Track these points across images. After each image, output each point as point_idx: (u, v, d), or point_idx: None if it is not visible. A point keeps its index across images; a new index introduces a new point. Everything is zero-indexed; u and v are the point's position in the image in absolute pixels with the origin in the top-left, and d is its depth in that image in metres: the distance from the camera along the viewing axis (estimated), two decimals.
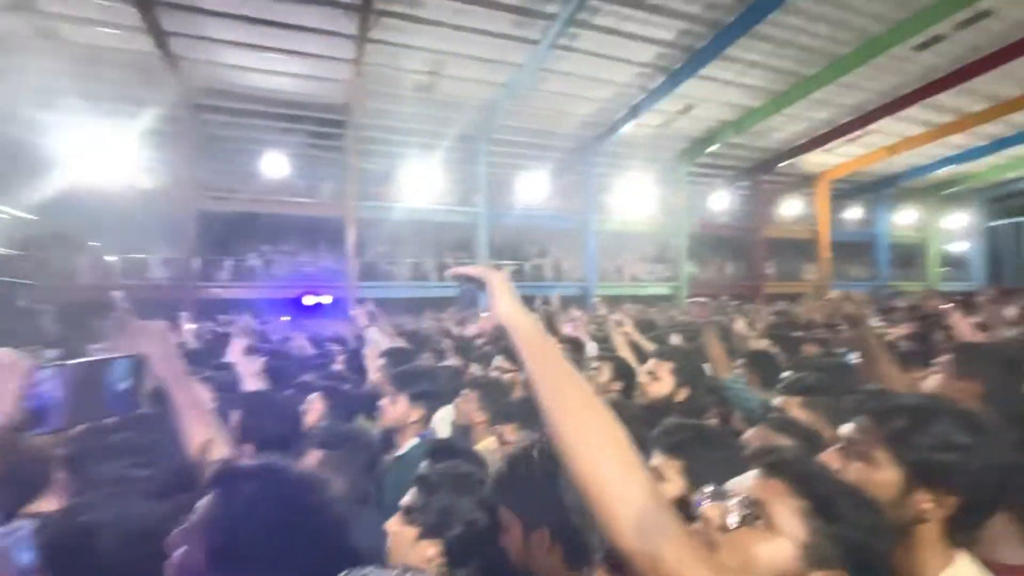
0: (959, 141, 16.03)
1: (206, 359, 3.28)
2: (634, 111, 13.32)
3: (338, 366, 3.54)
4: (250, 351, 2.60)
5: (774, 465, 0.69)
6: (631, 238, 18.31)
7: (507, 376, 2.64)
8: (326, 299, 14.32)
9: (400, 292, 15.54)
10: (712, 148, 15.66)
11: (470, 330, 4.89)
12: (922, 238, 21.76)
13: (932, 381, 1.83)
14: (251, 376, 2.24)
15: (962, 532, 0.88)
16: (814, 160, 17.60)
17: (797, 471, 0.68)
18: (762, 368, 2.56)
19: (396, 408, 1.98)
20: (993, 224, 22.60)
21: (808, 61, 11.48)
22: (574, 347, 3.65)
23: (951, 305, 3.94)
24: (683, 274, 17.77)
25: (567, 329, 4.23)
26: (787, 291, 18.98)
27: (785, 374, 2.19)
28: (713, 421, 2.14)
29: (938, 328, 4.22)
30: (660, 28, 10.24)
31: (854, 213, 20.85)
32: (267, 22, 9.44)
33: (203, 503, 0.78)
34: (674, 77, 11.68)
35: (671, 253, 18.30)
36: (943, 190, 20.89)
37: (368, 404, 2.40)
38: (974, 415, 0.91)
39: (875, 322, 4.45)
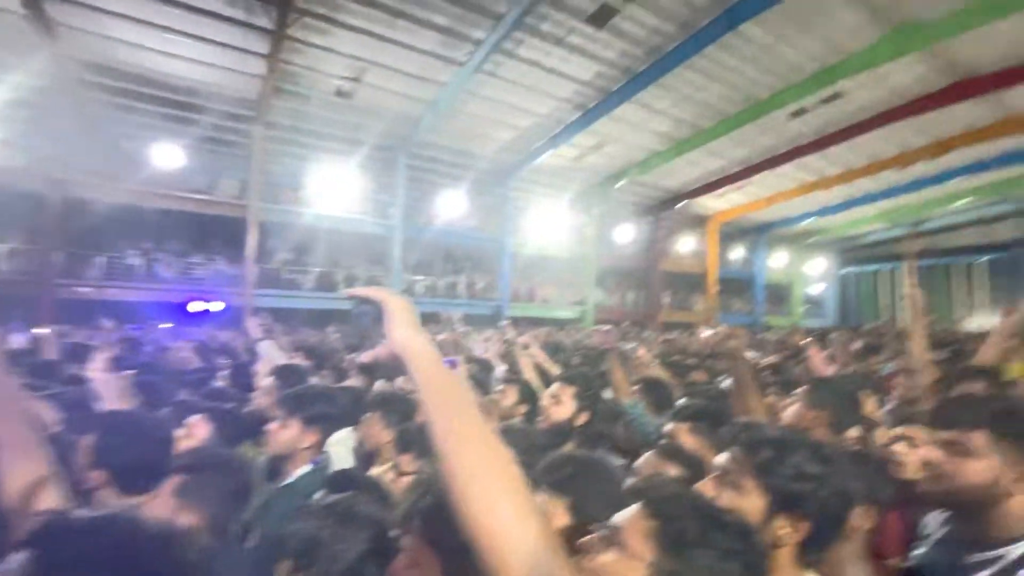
0: (820, 198, 18.70)
1: (60, 372, 2.86)
2: (552, 142, 13.94)
3: (220, 382, 3.23)
4: (116, 363, 2.23)
5: (636, 491, 0.74)
6: (543, 262, 18.95)
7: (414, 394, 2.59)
8: (216, 306, 13.09)
9: (305, 303, 14.66)
10: (620, 184, 16.77)
11: (364, 356, 4.72)
12: (789, 279, 24.86)
13: (790, 411, 2.10)
14: (114, 392, 1.88)
15: (812, 554, 0.96)
16: (706, 203, 19.53)
17: (653, 496, 0.71)
18: (655, 394, 2.71)
19: (286, 433, 1.81)
20: (843, 271, 26.53)
21: (704, 115, 12.81)
22: (483, 368, 3.66)
23: (809, 340, 4.55)
24: (590, 299, 18.67)
25: (479, 350, 4.24)
26: (680, 320, 20.66)
27: (680, 401, 2.39)
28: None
29: (798, 360, 4.84)
30: (578, 67, 10.90)
31: (737, 253, 23.31)
32: (169, 0, 8.66)
33: (10, 568, 0.61)
34: (589, 114, 12.44)
35: (580, 279, 19.17)
36: (807, 239, 24.14)
37: (257, 427, 2.16)
38: (825, 447, 1.00)
39: (750, 353, 4.99)
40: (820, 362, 3.87)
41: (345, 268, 15.85)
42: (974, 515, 1.15)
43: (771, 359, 5.26)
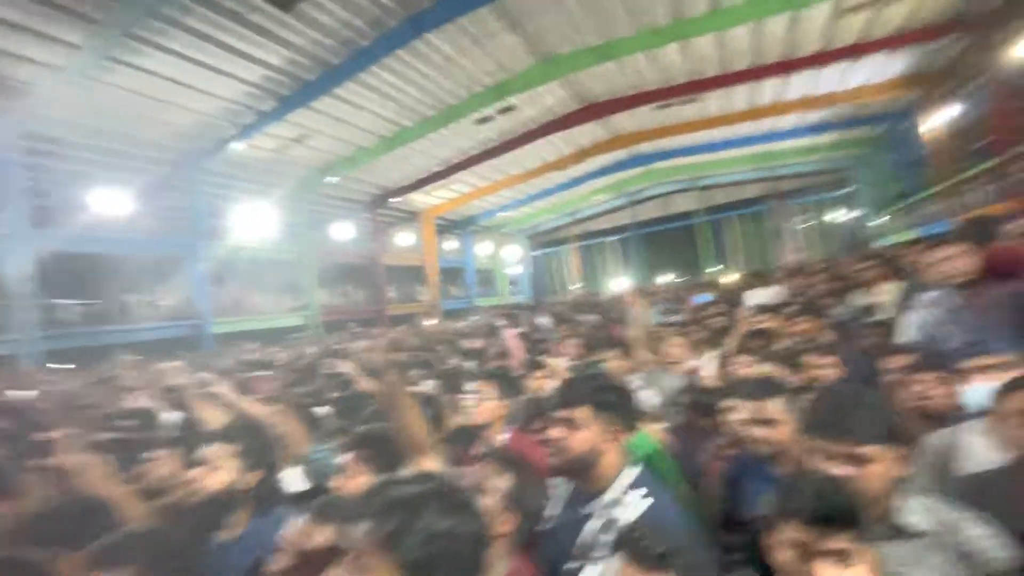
0: (508, 194, 22.21)
1: None
2: (245, 130, 12.42)
3: None
4: None
5: None
6: (254, 267, 16.84)
7: None
8: None
9: None
10: (331, 179, 16.23)
11: None
12: (494, 265, 28.80)
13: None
14: None
15: None
16: (419, 199, 20.75)
17: None
18: (350, 414, 2.50)
19: None
20: (533, 254, 32.27)
21: (405, 115, 13.53)
22: (142, 423, 2.86)
23: (503, 323, 5.42)
24: (314, 302, 17.58)
25: (136, 397, 3.33)
26: (408, 311, 21.53)
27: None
28: None
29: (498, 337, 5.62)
30: (267, 51, 9.98)
31: (451, 244, 25.63)
32: None
33: None
34: (286, 103, 11.58)
35: (300, 282, 17.82)
36: (504, 229, 28.36)
37: None
38: (457, 493, 0.92)
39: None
40: (513, 340, 4.65)
41: None
42: (583, 475, 1.36)
43: (476, 344, 5.89)
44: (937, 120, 13.45)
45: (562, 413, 1.39)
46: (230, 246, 15.06)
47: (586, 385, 1.45)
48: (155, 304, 14.51)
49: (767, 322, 3.33)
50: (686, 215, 27.02)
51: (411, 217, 22.33)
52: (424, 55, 11.01)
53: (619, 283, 25.65)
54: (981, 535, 1.09)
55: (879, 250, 6.00)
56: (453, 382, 2.61)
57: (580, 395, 1.40)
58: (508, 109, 14.16)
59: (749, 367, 2.50)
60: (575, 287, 29.74)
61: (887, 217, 19.78)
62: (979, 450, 1.36)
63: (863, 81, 14.21)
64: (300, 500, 1.71)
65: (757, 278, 6.12)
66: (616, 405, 1.43)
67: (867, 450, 1.16)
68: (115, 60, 9.23)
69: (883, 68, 13.57)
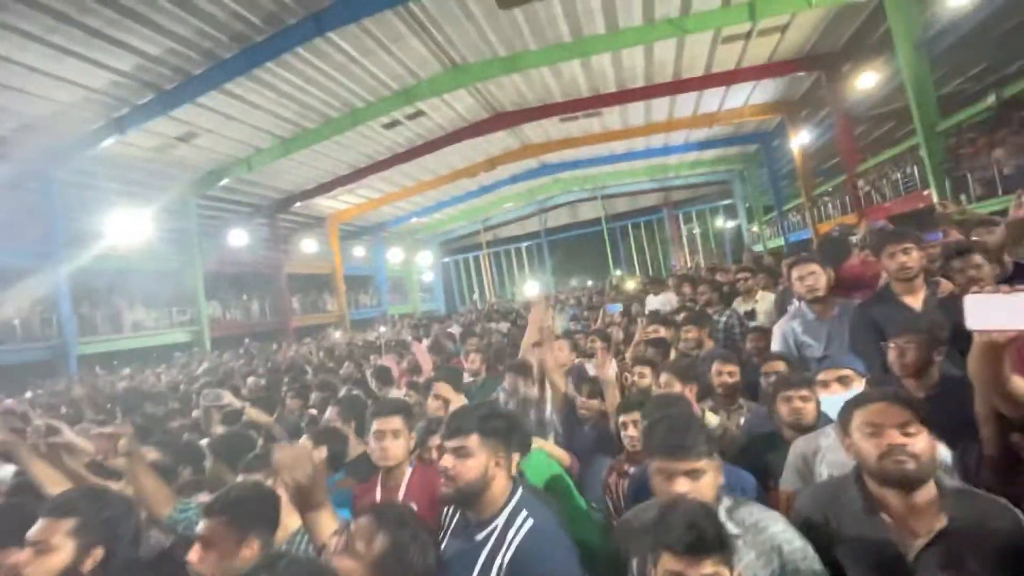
0: (419, 200, 21.88)
1: None
2: (116, 124, 11.02)
3: None
4: None
5: None
6: (132, 278, 14.96)
7: None
8: None
9: None
10: (224, 182, 14.93)
11: None
12: (406, 272, 28.18)
13: None
14: None
15: None
16: (324, 204, 19.74)
17: None
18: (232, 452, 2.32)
19: None
20: (445, 260, 32.03)
21: (307, 116, 12.82)
22: None
23: (412, 334, 5.32)
24: (202, 316, 15.99)
25: None
26: (313, 322, 20.36)
27: None
28: None
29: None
30: (141, 38, 8.94)
31: (360, 251, 24.68)
32: None
33: None
34: (166, 97, 10.47)
35: (186, 294, 16.14)
36: (415, 235, 27.86)
37: None
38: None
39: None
40: (423, 357, 4.56)
41: None
42: (473, 503, 1.38)
43: (386, 361, 5.65)
44: (799, 141, 15.45)
45: (451, 443, 1.41)
46: (101, 255, 13.22)
47: (473, 413, 1.48)
48: (4, 323, 12.32)
49: (662, 332, 3.62)
50: (592, 222, 28.41)
51: (317, 223, 21.17)
52: (327, 55, 10.51)
53: (531, 288, 26.26)
54: (782, 531, 1.26)
55: (757, 259, 6.75)
56: (357, 410, 2.49)
57: (468, 424, 1.42)
58: (417, 115, 13.97)
59: (645, 378, 2.69)
60: (488, 293, 29.97)
61: (760, 227, 22.36)
62: (835, 456, 1.57)
63: (739, 104, 15.96)
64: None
65: (654, 284, 6.62)
66: (504, 431, 1.47)
67: (700, 464, 1.30)
68: None
69: (755, 93, 15.34)
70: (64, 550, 1.39)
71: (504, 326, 8.72)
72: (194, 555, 1.35)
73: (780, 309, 3.40)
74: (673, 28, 10.66)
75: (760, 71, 13.38)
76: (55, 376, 11.68)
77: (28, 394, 7.64)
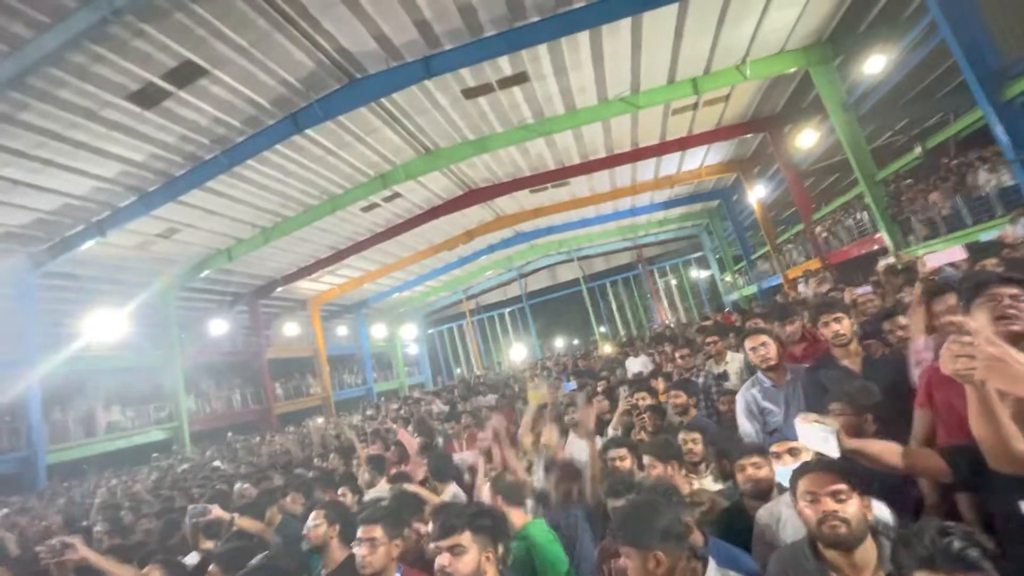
0: (399, 276, 22.19)
1: None
2: (97, 228, 11.22)
3: None
4: None
5: None
6: (105, 377, 14.58)
7: None
8: None
9: None
10: (205, 274, 15.04)
11: None
12: (391, 346, 27.96)
13: None
14: None
15: None
16: (305, 287, 19.86)
17: None
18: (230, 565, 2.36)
19: None
20: (429, 332, 31.96)
21: (287, 205, 13.26)
22: None
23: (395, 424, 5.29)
24: (182, 411, 15.48)
25: None
26: (297, 407, 19.81)
27: None
28: None
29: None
30: (126, 147, 9.36)
31: (343, 330, 24.54)
32: None
33: None
34: (148, 198, 10.79)
35: (164, 389, 15.70)
36: (398, 309, 27.94)
37: None
38: None
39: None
40: (410, 442, 4.57)
41: None
42: None
43: (373, 450, 5.45)
44: (756, 195, 16.42)
45: (445, 542, 1.51)
46: (74, 357, 12.93)
47: (463, 511, 1.60)
48: None
49: (646, 399, 3.74)
50: (572, 283, 28.98)
51: (298, 306, 21.18)
52: (305, 149, 11.09)
53: (516, 352, 26.22)
54: None
55: (719, 321, 7.00)
56: (345, 518, 2.48)
57: (459, 522, 1.54)
58: (394, 197, 14.55)
59: (625, 461, 2.74)
60: (474, 361, 29.75)
61: (731, 276, 23.12)
62: (793, 523, 1.69)
63: (695, 166, 17.08)
64: None
65: (631, 346, 6.78)
66: (491, 527, 1.58)
67: (659, 553, 1.38)
68: None
69: (710, 155, 16.50)
70: None
71: (492, 398, 8.69)
72: None
73: (744, 377, 3.57)
74: (626, 105, 11.61)
75: (710, 136, 14.48)
76: (22, 490, 11.02)
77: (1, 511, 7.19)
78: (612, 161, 14.91)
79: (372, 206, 14.77)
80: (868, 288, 4.07)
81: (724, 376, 4.09)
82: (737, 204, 20.64)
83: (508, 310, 30.91)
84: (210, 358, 17.53)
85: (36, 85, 7.50)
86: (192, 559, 3.06)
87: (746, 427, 2.67)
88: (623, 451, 2.80)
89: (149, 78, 8.00)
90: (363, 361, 25.05)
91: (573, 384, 5.44)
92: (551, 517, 2.69)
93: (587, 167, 15.03)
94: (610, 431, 4.01)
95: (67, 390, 13.80)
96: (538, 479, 3.10)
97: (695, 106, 12.88)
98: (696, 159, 16.58)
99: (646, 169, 16.71)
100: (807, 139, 12.68)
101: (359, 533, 1.96)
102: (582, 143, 13.99)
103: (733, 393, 3.60)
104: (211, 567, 2.41)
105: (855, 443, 1.51)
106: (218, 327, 17.02)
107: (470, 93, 10.39)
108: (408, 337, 29.19)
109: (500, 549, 1.60)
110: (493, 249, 22.50)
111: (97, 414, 14.32)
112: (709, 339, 4.22)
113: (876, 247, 11.10)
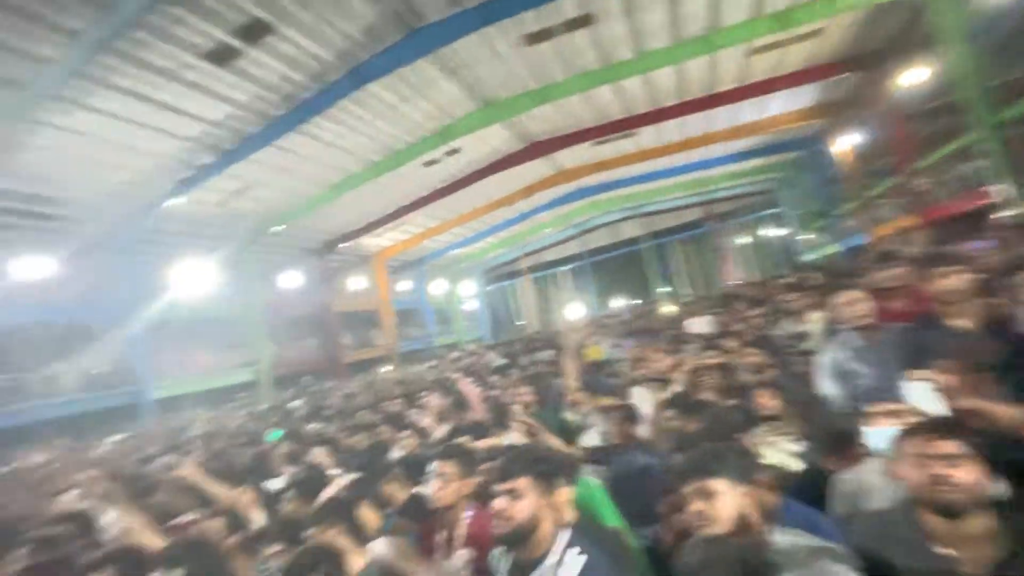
0: (459, 232, 22.42)
1: None
2: (183, 185, 12.05)
3: None
4: None
5: None
6: (199, 325, 16.07)
7: None
8: None
9: None
10: (277, 229, 15.89)
11: None
12: (449, 302, 28.70)
13: None
14: None
15: None
16: (369, 242, 20.57)
17: None
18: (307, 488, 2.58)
19: None
20: (487, 288, 32.40)
21: (351, 161, 13.56)
22: (75, 531, 2.47)
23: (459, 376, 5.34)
24: (264, 357, 16.85)
25: (71, 497, 2.93)
26: (364, 357, 21.00)
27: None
28: None
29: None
30: (204, 106, 9.85)
31: (405, 285, 25.40)
32: None
33: None
34: (226, 157, 11.38)
35: (248, 337, 17.09)
36: (457, 266, 28.43)
37: None
38: None
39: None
40: (472, 393, 4.60)
41: None
42: (525, 542, 1.44)
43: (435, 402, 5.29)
44: (845, 144, 14.84)
45: (503, 485, 1.49)
46: (171, 305, 14.31)
47: (523, 456, 1.57)
48: (86, 373, 13.48)
49: (715, 357, 3.54)
50: (633, 241, 28.08)
51: (363, 261, 22.05)
52: (367, 103, 11.17)
53: (574, 311, 26.10)
54: (833, 562, 1.24)
55: (807, 276, 6.43)
56: (411, 468, 2.55)
57: (518, 467, 1.51)
58: (454, 152, 14.47)
59: (674, 422, 2.59)
60: (531, 318, 29.99)
61: (812, 233, 21.39)
62: (880, 488, 1.53)
63: (777, 112, 15.56)
64: None
65: (696, 306, 6.47)
66: (552, 471, 1.55)
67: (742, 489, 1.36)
68: (41, 122, 8.85)
69: (793, 100, 14.94)
70: None
71: (548, 354, 8.71)
72: None
73: (827, 336, 3.24)
74: (702, 46, 10.65)
75: (798, 77, 13.06)
76: (132, 420, 12.58)
77: (117, 437, 8.29)
78: (684, 109, 13.91)
79: (433, 161, 14.80)
80: (981, 243, 3.56)
81: (802, 336, 3.80)
82: (821, 154, 18.79)
83: (567, 268, 30.61)
84: (285, 309, 18.80)
85: (122, 47, 7.94)
86: (277, 483, 3.33)
87: (831, 389, 2.44)
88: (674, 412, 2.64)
89: (221, 37, 8.25)
90: (424, 315, 25.95)
91: (632, 342, 5.31)
92: (612, 466, 2.64)
93: (656, 116, 14.12)
94: (671, 389, 3.86)
95: (165, 335, 15.35)
96: (594, 434, 3.05)
97: (781, 44, 11.60)
98: (779, 104, 15.08)
99: (721, 117, 15.45)
100: (914, 78, 11.13)
101: (434, 467, 2.02)
102: (651, 90, 13.10)
103: (812, 354, 3.33)
104: (290, 491, 2.60)
105: (973, 403, 1.32)
106: (292, 280, 18.15)
107: (532, 39, 9.92)
108: (467, 293, 29.78)
109: (567, 492, 1.57)
110: (553, 205, 22.09)
111: (193, 356, 15.92)
112: (790, 295, 3.89)
113: (988, 201, 9.75)
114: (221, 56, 8.71)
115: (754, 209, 26.82)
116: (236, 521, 2.38)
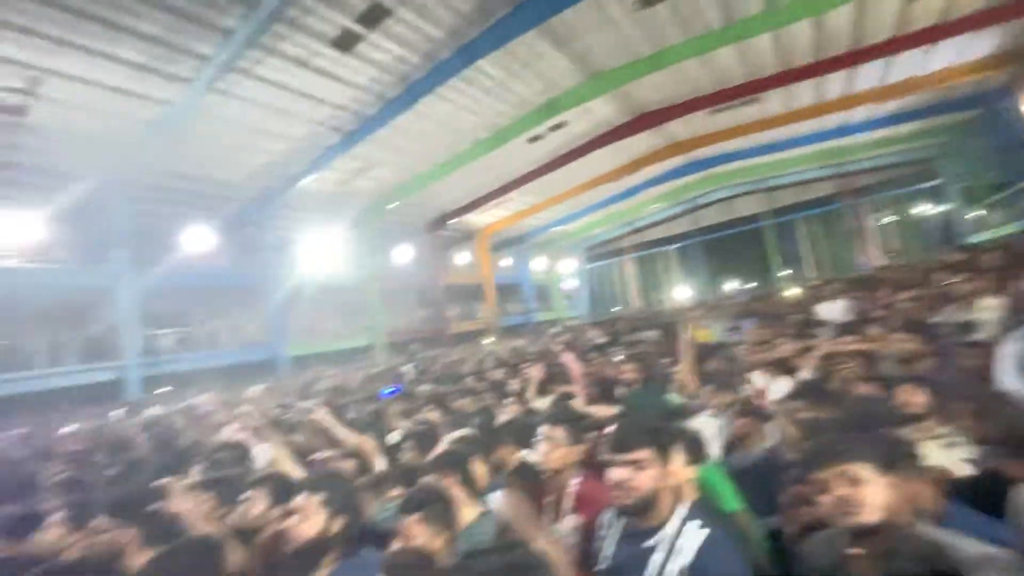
0: (561, 209, 22.21)
1: None
2: (313, 166, 13.29)
3: None
4: None
5: None
6: (322, 293, 17.86)
7: None
8: None
9: None
10: (391, 206, 16.97)
11: None
12: (549, 279, 28.76)
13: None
14: None
15: None
16: (474, 219, 21.21)
17: None
18: (422, 442, 2.83)
19: None
20: (588, 266, 31.92)
21: (459, 140, 13.95)
22: (235, 457, 2.98)
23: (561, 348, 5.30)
24: (379, 325, 18.32)
25: (228, 429, 3.50)
26: (467, 329, 21.92)
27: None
28: None
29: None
30: (330, 90, 10.70)
31: (507, 261, 25.91)
32: None
33: None
34: (349, 138, 12.29)
35: (365, 305, 18.66)
36: (558, 243, 28.32)
37: None
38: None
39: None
40: (573, 366, 4.55)
41: (47, 335, 12.17)
42: (645, 512, 1.44)
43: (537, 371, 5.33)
44: None
45: (625, 456, 1.46)
46: (301, 275, 16.09)
47: (644, 426, 1.53)
48: (238, 331, 15.71)
49: (852, 344, 3.10)
50: (751, 218, 25.78)
51: (468, 237, 22.84)
52: (475, 81, 11.36)
53: (680, 293, 24.81)
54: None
55: (976, 258, 5.33)
56: (520, 432, 2.59)
57: (640, 437, 1.47)
58: (559, 126, 14.25)
59: (803, 414, 2.27)
60: (633, 299, 29.07)
61: (984, 210, 17.94)
62: None
63: (946, 63, 13.05)
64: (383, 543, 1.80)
65: (826, 289, 5.72)
66: (673, 443, 1.51)
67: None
68: (203, 113, 10.22)
69: (969, 48, 12.39)
70: (317, 518, 1.75)
71: (652, 333, 8.37)
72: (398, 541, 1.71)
73: (1011, 325, 2.66)
74: None
75: (975, 20, 10.79)
76: (271, 374, 14.43)
77: (261, 386, 9.62)
78: (822, 68, 12.24)
79: (536, 137, 14.73)
80: None
81: (971, 326, 3.19)
82: (1002, 115, 15.52)
83: (674, 247, 29.04)
84: (397, 281, 20.17)
85: (265, 41, 8.85)
86: (393, 437, 3.61)
87: (1014, 384, 2.02)
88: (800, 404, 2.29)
89: (345, 23, 8.83)
90: (525, 291, 26.34)
91: (749, 324, 4.88)
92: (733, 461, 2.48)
93: (786, 77, 12.60)
94: (799, 377, 3.47)
95: (298, 301, 17.29)
96: (704, 420, 2.85)
97: None
98: (946, 55, 12.63)
99: (868, 75, 13.38)
100: None
101: (542, 432, 2.04)
102: (783, 48, 11.70)
103: (982, 345, 2.78)
104: (408, 442, 2.81)
105: None
106: (404, 254, 19.40)
107: (647, 0, 9.30)
108: (567, 271, 29.62)
109: (690, 471, 1.54)
110: (662, 180, 20.95)
111: (321, 320, 17.81)
112: (956, 277, 3.28)
113: None
114: (345, 42, 9.35)
115: (902, 182, 23.07)
116: (363, 464, 2.67)
